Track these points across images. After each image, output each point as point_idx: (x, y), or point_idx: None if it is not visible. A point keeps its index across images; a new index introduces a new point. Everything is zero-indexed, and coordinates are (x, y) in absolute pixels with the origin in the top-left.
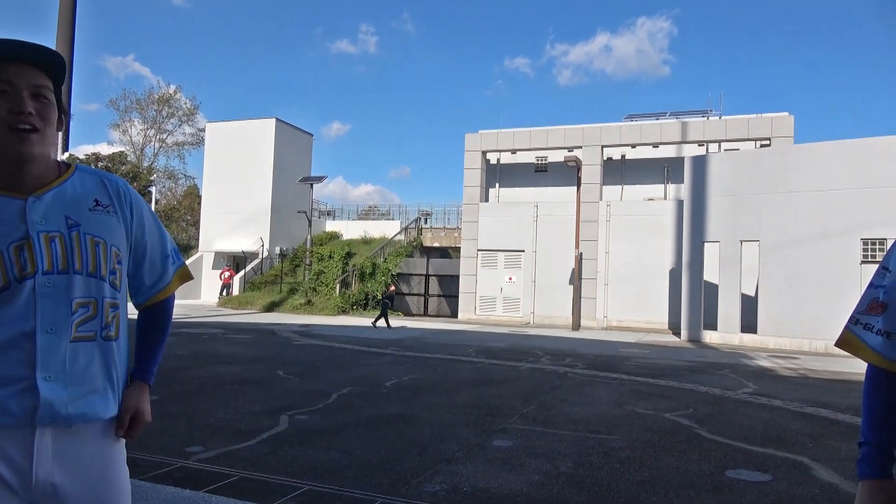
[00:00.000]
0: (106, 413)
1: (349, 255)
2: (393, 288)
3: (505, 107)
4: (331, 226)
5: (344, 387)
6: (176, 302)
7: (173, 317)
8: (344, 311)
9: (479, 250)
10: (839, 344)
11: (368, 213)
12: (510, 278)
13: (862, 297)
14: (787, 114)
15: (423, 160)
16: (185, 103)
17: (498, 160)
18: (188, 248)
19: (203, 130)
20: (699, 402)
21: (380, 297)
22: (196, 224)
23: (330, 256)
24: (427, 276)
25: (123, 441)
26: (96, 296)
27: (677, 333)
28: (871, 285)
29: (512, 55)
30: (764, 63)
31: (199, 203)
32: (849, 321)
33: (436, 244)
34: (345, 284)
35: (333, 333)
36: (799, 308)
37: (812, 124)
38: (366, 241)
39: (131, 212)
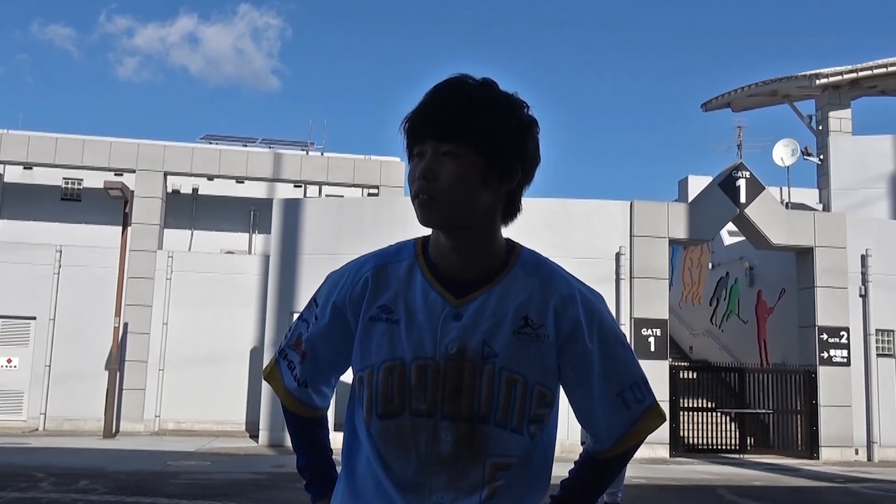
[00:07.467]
0: None
1: None
2: None
3: (28, 96)
4: None
5: None
6: None
7: None
8: None
9: None
10: (265, 376)
11: None
12: (9, 361)
13: (293, 327)
14: (398, 159)
15: None
16: None
17: (0, 176)
18: None
19: None
20: None
21: None
22: None
23: None
24: None
25: None
26: None
27: (256, 437)
28: (300, 317)
29: (47, 18)
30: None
31: None
32: (277, 352)
33: None
34: None
35: None
36: None
37: None
38: None
39: None
